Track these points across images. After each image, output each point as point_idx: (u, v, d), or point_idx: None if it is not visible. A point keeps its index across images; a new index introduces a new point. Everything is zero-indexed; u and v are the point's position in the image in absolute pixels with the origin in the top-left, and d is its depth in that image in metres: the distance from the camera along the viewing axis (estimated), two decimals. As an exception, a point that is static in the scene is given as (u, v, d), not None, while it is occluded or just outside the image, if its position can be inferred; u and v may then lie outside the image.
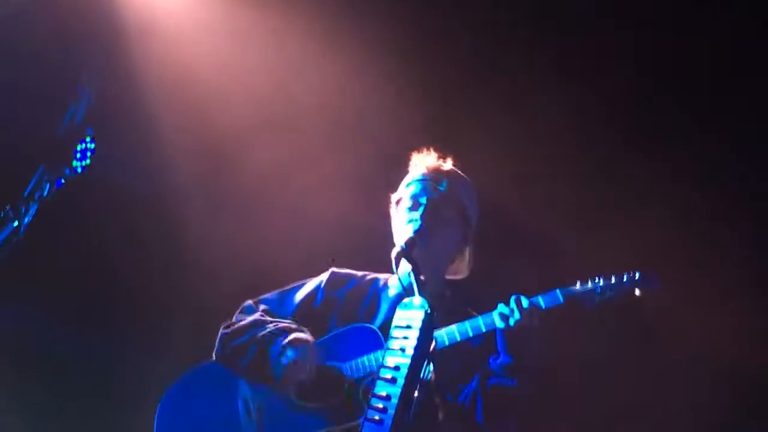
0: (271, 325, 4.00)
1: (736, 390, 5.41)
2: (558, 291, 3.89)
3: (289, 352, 3.87)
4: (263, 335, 3.96)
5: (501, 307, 3.84)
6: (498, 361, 3.86)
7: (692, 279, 5.21)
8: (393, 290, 4.14)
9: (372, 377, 3.69)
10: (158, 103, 5.77)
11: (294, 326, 3.99)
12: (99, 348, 5.85)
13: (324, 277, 4.22)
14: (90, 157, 4.79)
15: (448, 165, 4.21)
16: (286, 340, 3.90)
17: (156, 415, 4.00)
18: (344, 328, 3.99)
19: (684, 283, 4.93)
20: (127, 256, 5.87)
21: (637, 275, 3.89)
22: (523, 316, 3.79)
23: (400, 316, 3.22)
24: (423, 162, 4.21)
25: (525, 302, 3.81)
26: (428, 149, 4.24)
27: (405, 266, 3.53)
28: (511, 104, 5.62)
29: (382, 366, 3.16)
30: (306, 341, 3.92)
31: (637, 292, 3.89)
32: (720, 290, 5.34)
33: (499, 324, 3.83)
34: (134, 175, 5.81)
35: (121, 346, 5.86)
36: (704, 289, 5.29)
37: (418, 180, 4.16)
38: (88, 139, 4.86)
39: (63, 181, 4.73)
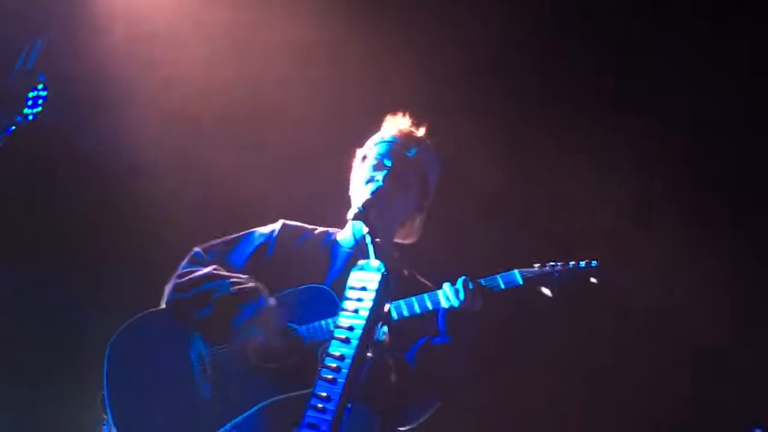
0: (233, 279, 3.86)
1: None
2: (516, 272, 3.86)
3: (255, 327, 3.76)
4: (223, 297, 3.81)
5: (447, 287, 3.82)
6: (437, 340, 3.85)
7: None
8: (345, 247, 4.08)
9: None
10: (116, 51, 5.65)
11: (257, 285, 3.86)
12: (47, 296, 5.75)
13: (276, 227, 4.12)
14: (41, 105, 4.70)
15: (420, 132, 4.15)
16: (259, 306, 3.78)
17: (105, 359, 3.82)
18: (300, 288, 3.89)
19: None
20: (76, 204, 5.77)
21: (593, 262, 3.87)
22: (468, 298, 3.76)
23: (356, 278, 3.17)
24: (396, 124, 4.14)
25: (471, 284, 3.78)
26: (404, 113, 4.17)
27: (360, 226, 3.51)
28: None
29: (337, 326, 3.13)
30: (272, 309, 3.80)
31: (593, 279, 3.86)
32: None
33: (444, 304, 3.81)
34: (87, 123, 5.70)
35: (70, 295, 5.77)
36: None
37: (387, 141, 4.09)
38: (39, 86, 4.76)
39: (13, 128, 4.64)
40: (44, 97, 4.68)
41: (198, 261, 4.02)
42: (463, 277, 3.81)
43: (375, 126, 4.20)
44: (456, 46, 5.71)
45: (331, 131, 5.47)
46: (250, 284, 3.87)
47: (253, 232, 4.13)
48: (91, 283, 5.78)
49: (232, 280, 3.87)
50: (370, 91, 5.56)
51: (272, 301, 3.83)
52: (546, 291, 3.89)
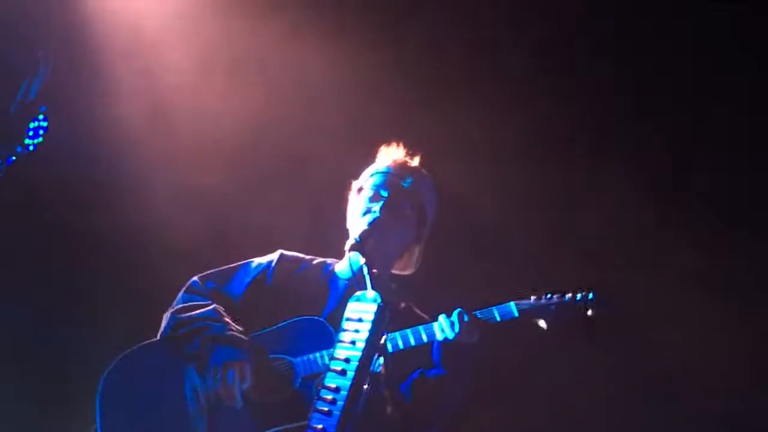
0: (218, 326, 3.81)
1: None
2: (512, 304, 3.80)
3: (224, 372, 3.71)
4: (209, 336, 3.78)
5: (442, 319, 3.75)
6: (431, 372, 3.79)
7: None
8: (342, 278, 4.04)
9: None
10: (117, 84, 5.63)
11: (238, 337, 3.81)
12: (42, 326, 5.68)
13: (273, 257, 4.09)
14: (42, 136, 4.69)
15: (415, 162, 4.13)
16: (222, 363, 3.72)
17: (98, 391, 3.77)
18: (295, 320, 3.85)
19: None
20: (76, 233, 5.73)
21: (590, 295, 3.80)
22: (463, 330, 3.70)
23: (352, 309, 3.15)
24: (391, 155, 4.12)
25: (466, 316, 3.72)
26: (398, 143, 4.15)
27: (357, 257, 3.48)
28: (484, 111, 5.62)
29: (333, 358, 3.10)
30: (241, 366, 3.73)
31: (589, 312, 3.78)
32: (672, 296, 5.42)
33: (439, 336, 3.75)
34: (88, 155, 5.67)
35: (65, 325, 5.71)
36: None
37: (382, 172, 4.07)
38: (41, 117, 4.76)
39: (14, 158, 4.63)
40: (45, 128, 4.68)
41: (196, 290, 3.98)
42: (459, 309, 3.76)
43: (371, 156, 4.19)
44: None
45: (328, 160, 5.45)
46: (238, 335, 3.81)
47: (250, 262, 4.10)
48: (88, 313, 5.72)
49: (226, 324, 3.83)
50: (369, 122, 5.55)
51: (248, 356, 3.76)
52: (542, 323, 3.84)
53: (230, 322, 3.86)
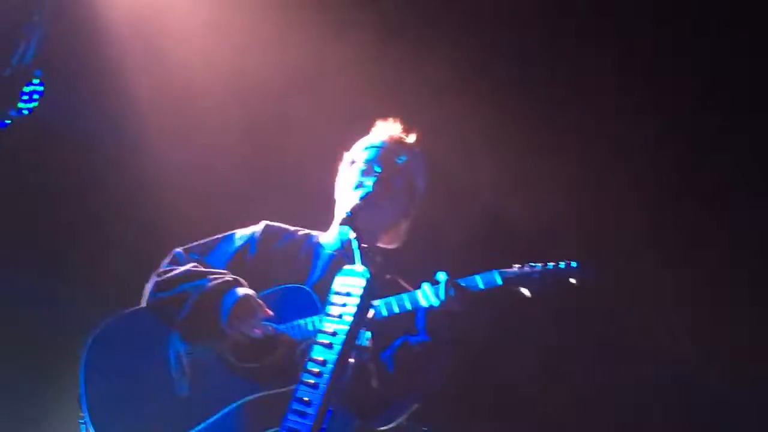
0: (211, 277, 3.70)
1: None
2: (496, 272, 3.69)
3: (239, 309, 3.61)
4: (201, 296, 3.66)
5: (426, 287, 3.66)
6: (415, 339, 3.69)
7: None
8: (328, 249, 3.94)
9: (309, 342, 3.50)
10: (115, 47, 5.49)
11: (235, 278, 3.72)
12: (27, 292, 5.58)
13: (257, 229, 3.97)
14: (38, 100, 4.59)
15: (410, 139, 4.01)
16: (238, 296, 3.63)
17: (82, 360, 3.69)
18: (279, 288, 3.75)
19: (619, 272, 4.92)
20: (68, 199, 5.63)
21: (573, 264, 3.70)
22: (447, 298, 3.60)
23: (341, 283, 3.06)
24: (386, 130, 4.00)
25: (450, 284, 3.61)
26: (395, 119, 4.03)
27: (346, 230, 3.36)
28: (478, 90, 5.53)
29: (320, 331, 3.01)
30: (254, 297, 3.65)
31: (573, 281, 3.69)
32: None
33: (423, 303, 3.65)
34: (85, 120, 5.56)
35: (51, 291, 5.61)
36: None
37: (377, 146, 3.95)
38: (36, 81, 4.65)
39: (8, 122, 4.53)
40: (40, 92, 4.58)
41: (179, 262, 3.87)
42: (444, 278, 3.65)
43: (362, 130, 4.07)
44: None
45: (318, 135, 5.36)
46: (228, 278, 3.72)
47: (234, 233, 3.98)
48: (74, 280, 5.64)
49: (210, 276, 3.72)
50: (358, 95, 5.47)
51: (251, 291, 3.68)
52: (525, 291, 3.73)
53: (211, 272, 3.74)
